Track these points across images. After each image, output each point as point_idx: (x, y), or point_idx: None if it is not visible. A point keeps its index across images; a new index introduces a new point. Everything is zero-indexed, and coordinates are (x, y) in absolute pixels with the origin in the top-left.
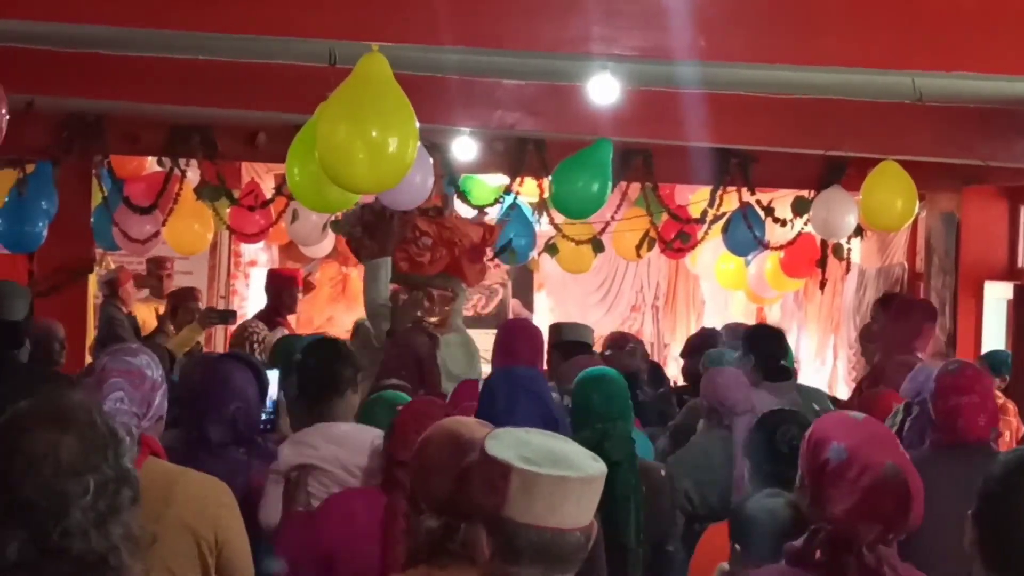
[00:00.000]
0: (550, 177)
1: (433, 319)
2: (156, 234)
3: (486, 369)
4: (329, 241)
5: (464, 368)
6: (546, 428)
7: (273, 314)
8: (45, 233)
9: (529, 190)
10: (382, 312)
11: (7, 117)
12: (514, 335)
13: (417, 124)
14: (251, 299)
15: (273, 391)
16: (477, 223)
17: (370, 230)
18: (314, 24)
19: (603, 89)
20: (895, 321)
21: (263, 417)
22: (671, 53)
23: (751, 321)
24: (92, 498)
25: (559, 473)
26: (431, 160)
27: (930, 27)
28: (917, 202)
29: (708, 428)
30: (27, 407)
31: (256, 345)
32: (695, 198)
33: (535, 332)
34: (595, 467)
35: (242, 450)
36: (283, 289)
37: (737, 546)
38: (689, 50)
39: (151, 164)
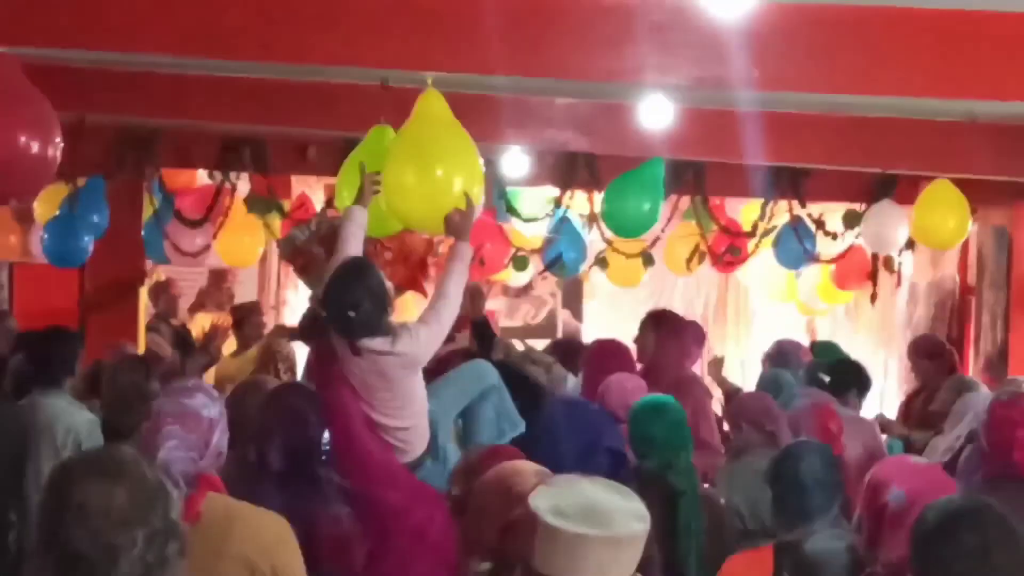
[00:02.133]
0: (600, 191)
1: None
2: (207, 247)
3: None
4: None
5: None
6: (612, 461)
7: None
8: (91, 248)
9: (580, 203)
10: None
11: (61, 146)
12: (605, 355)
13: (481, 163)
14: (301, 310)
15: None
16: (421, 236)
17: (328, 245)
18: (370, 55)
19: (656, 111)
20: (668, 339)
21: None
22: (725, 83)
23: (801, 334)
24: (141, 551)
25: (578, 530)
26: None
27: (984, 56)
28: (969, 221)
29: (758, 446)
30: (79, 458)
31: (280, 364)
32: (745, 210)
33: (625, 351)
34: (630, 527)
35: (302, 480)
36: None
37: None
38: (743, 80)
39: (202, 177)
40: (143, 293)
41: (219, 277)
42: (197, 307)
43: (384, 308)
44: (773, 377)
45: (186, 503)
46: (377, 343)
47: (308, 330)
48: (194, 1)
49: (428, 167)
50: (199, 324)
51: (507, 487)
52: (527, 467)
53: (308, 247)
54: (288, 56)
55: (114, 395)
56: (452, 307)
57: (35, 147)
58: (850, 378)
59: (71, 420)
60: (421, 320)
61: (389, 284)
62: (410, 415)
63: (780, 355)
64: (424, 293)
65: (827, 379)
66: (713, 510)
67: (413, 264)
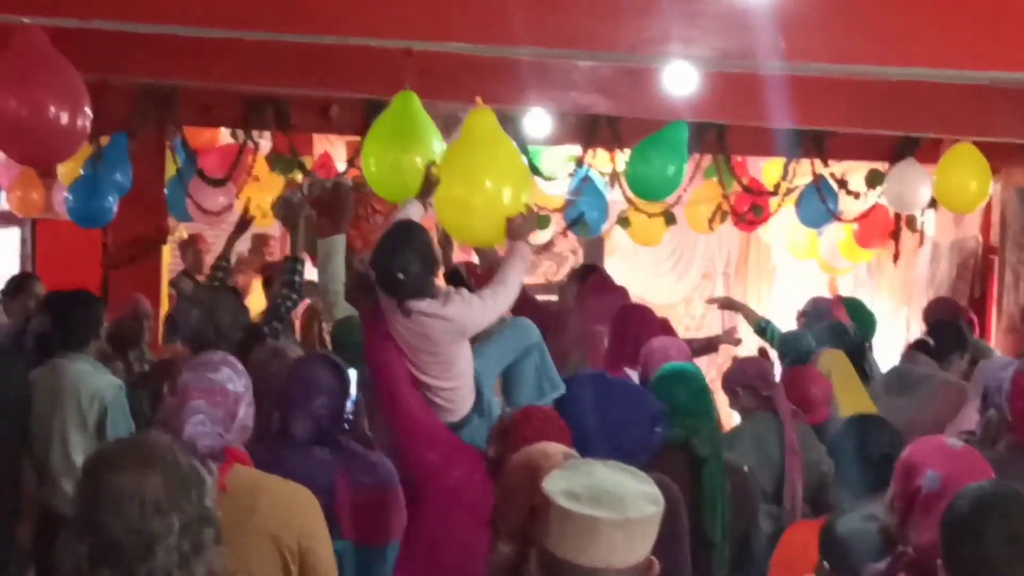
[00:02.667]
0: (623, 150)
1: None
2: (230, 206)
3: None
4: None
5: None
6: (644, 431)
7: None
8: (115, 208)
9: (602, 161)
10: (340, 291)
11: (91, 116)
12: (631, 319)
13: (532, 177)
14: None
15: (352, 390)
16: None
17: (323, 207)
18: (391, 26)
19: (680, 77)
20: (588, 296)
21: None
22: (751, 55)
23: (823, 292)
24: (177, 538)
25: (589, 512)
26: None
27: (1010, 28)
28: (991, 183)
29: (754, 411)
30: (112, 447)
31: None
32: (767, 167)
33: (651, 315)
34: (642, 510)
35: (326, 449)
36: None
37: (826, 563)
38: (769, 52)
39: (224, 135)
40: (166, 251)
41: (260, 242)
42: (236, 271)
43: (432, 270)
44: (795, 336)
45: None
46: (425, 305)
47: (357, 292)
48: None
49: (481, 184)
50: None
51: (535, 468)
52: (556, 449)
53: (300, 208)
54: (310, 28)
55: None
56: (509, 294)
57: (65, 117)
58: (951, 341)
59: (96, 384)
60: (478, 293)
61: (437, 249)
62: (455, 375)
63: (816, 312)
64: None
65: (931, 342)
66: (737, 477)
67: None
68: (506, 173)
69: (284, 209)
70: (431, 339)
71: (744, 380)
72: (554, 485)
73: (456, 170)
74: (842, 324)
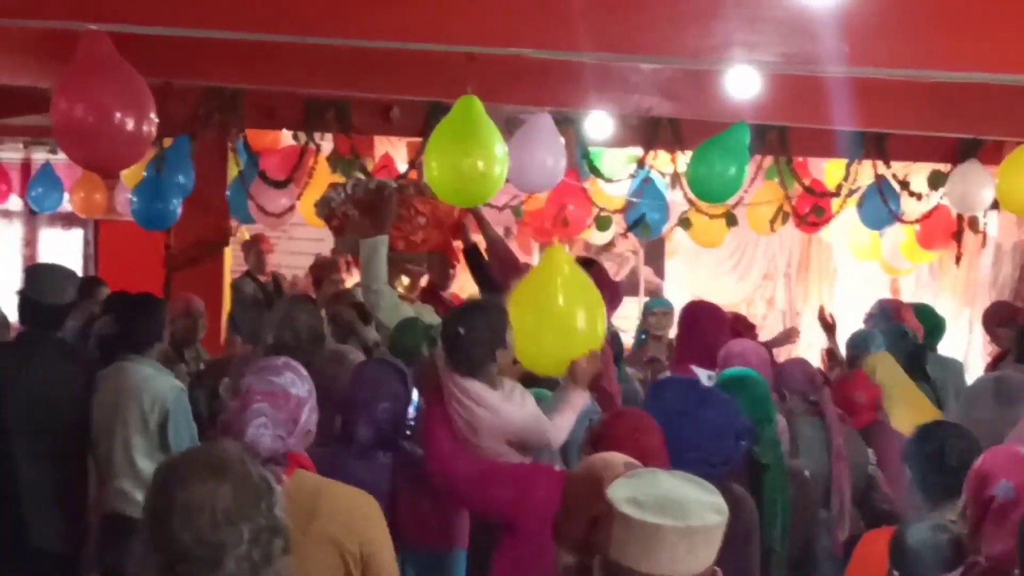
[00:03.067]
0: (684, 152)
1: (405, 294)
2: (291, 208)
3: None
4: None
5: None
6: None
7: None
8: (179, 211)
9: (663, 162)
10: (382, 291)
11: (156, 122)
12: (700, 317)
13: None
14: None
15: (414, 394)
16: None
17: (364, 207)
18: (455, 32)
19: (742, 80)
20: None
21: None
22: (814, 59)
23: (885, 293)
24: (247, 548)
25: (653, 520)
26: (561, 141)
27: None
28: None
29: (798, 414)
30: (184, 457)
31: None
32: (829, 167)
33: (720, 313)
34: (705, 519)
35: (388, 454)
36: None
37: (896, 572)
38: (832, 56)
39: (286, 137)
40: (228, 253)
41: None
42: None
43: (494, 347)
44: (863, 336)
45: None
46: (478, 387)
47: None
48: None
49: (554, 318)
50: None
51: (597, 479)
52: (617, 459)
53: (343, 208)
54: (375, 34)
55: None
56: (553, 435)
57: (130, 123)
58: None
59: (158, 387)
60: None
61: (511, 336)
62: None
63: (882, 314)
64: (456, 259)
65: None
66: (798, 482)
67: (447, 228)
68: (582, 311)
69: (325, 209)
70: (472, 427)
71: (791, 384)
72: (618, 493)
73: (531, 303)
74: (901, 327)
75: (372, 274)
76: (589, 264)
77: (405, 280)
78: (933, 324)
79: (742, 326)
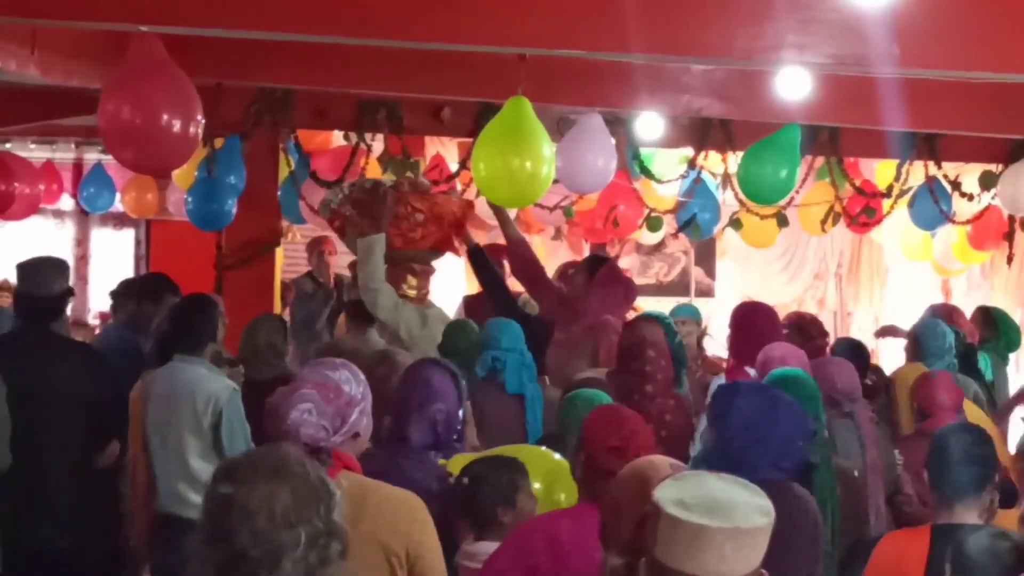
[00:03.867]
0: (735, 152)
1: (414, 293)
2: None
3: None
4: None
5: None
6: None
7: None
8: (234, 211)
9: (714, 163)
10: (380, 289)
11: (203, 122)
12: (752, 318)
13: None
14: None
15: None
16: (456, 197)
17: (361, 207)
18: (508, 34)
19: (793, 81)
20: (598, 287)
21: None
22: (866, 62)
23: (936, 294)
24: (304, 550)
25: (698, 521)
26: (612, 141)
27: None
28: None
29: (832, 417)
30: (243, 458)
31: None
32: (880, 168)
33: (773, 315)
34: (751, 521)
35: (440, 455)
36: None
37: None
38: (883, 58)
39: (337, 138)
40: (279, 253)
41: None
42: None
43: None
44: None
45: None
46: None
47: None
48: None
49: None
50: None
51: (642, 480)
52: (662, 461)
53: (342, 209)
54: (429, 36)
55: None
56: None
57: (177, 125)
58: None
59: (212, 387)
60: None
61: None
62: None
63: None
64: (458, 253)
65: None
66: (847, 482)
67: (448, 225)
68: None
69: (326, 211)
70: None
71: (830, 390)
72: (664, 494)
73: None
74: (953, 329)
75: (369, 272)
76: (601, 262)
77: (412, 280)
78: (1010, 330)
79: (816, 331)
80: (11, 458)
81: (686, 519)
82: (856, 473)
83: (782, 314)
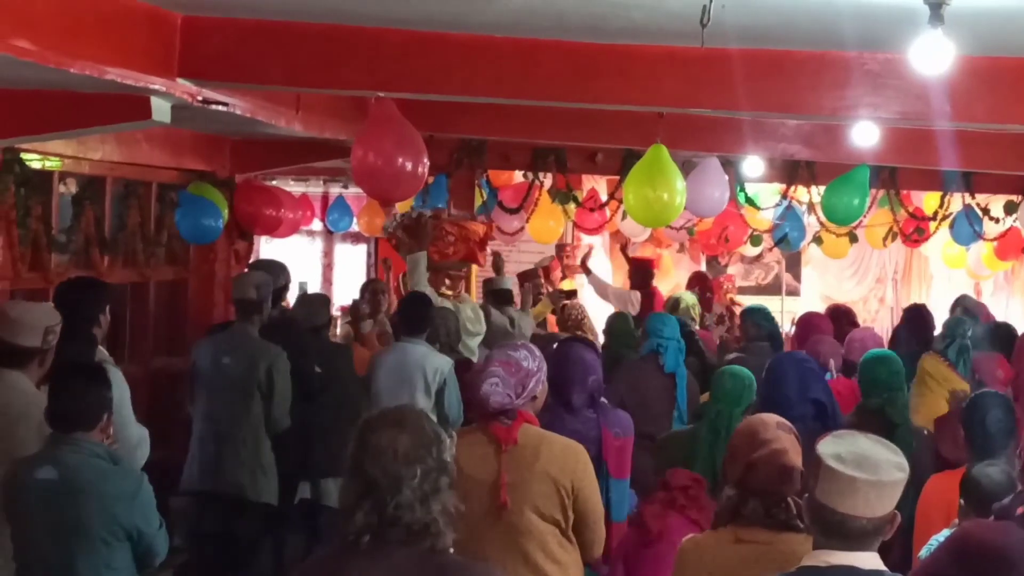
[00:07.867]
0: (818, 186)
1: (450, 292)
2: (522, 229)
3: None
4: (647, 231)
5: (476, 326)
6: (816, 411)
7: None
8: None
9: (801, 194)
10: (424, 291)
11: (428, 164)
12: (812, 322)
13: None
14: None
15: None
16: (481, 221)
17: (409, 231)
18: (649, 97)
19: (864, 132)
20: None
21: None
22: (925, 116)
23: (970, 293)
24: (419, 481)
25: (850, 473)
26: (726, 178)
27: None
28: None
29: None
30: (377, 414)
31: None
32: (927, 198)
33: (826, 321)
34: (892, 475)
35: (592, 410)
36: (644, 271)
37: (962, 501)
38: (939, 115)
39: (517, 176)
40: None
41: (561, 249)
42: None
43: None
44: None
45: (507, 430)
46: None
47: None
48: (515, 59)
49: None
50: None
51: (753, 432)
52: (771, 419)
53: (396, 232)
54: (588, 99)
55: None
56: None
57: (409, 165)
58: None
59: (437, 362)
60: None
61: None
62: None
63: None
64: (481, 264)
65: None
66: (919, 439)
67: (473, 243)
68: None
69: (386, 233)
70: None
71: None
72: (826, 449)
73: None
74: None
75: (415, 279)
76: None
77: (448, 282)
78: None
79: (846, 320)
80: (289, 421)
81: (841, 470)
82: (926, 432)
83: (856, 308)
